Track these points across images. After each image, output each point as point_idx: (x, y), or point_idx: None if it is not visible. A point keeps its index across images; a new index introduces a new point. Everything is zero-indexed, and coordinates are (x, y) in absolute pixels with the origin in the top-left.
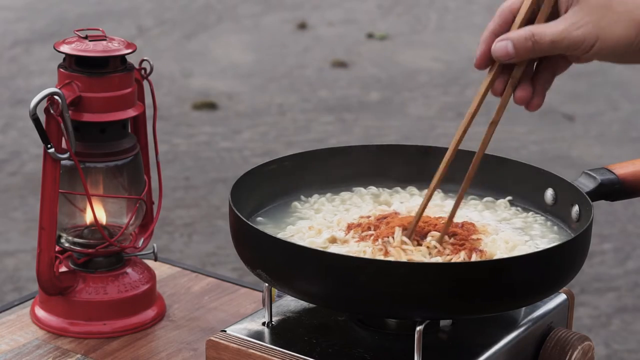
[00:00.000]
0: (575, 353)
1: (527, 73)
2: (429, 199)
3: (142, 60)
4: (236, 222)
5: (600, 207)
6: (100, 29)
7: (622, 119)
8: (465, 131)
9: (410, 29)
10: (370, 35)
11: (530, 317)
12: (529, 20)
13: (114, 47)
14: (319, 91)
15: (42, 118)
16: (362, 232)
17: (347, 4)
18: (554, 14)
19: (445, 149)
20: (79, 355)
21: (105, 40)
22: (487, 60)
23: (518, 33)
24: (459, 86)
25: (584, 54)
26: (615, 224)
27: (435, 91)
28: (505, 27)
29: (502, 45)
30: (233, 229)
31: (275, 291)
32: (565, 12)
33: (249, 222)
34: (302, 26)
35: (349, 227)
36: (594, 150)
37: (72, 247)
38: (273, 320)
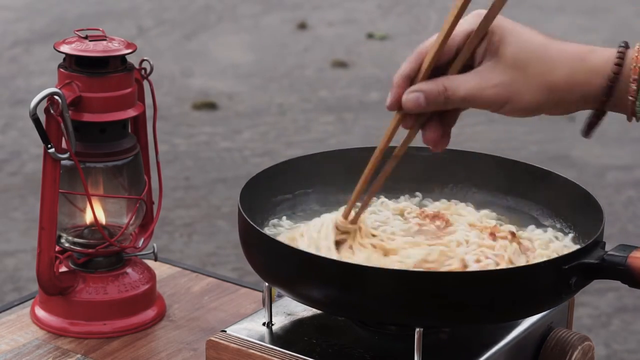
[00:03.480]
0: (575, 353)
1: (436, 114)
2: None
3: (142, 60)
4: (245, 226)
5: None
6: (100, 29)
7: (622, 119)
8: (375, 164)
9: (410, 29)
10: (370, 35)
11: (530, 318)
12: (440, 65)
13: (114, 47)
14: (319, 91)
15: (42, 118)
16: None
17: (347, 4)
18: (468, 65)
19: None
20: (79, 355)
21: (105, 40)
22: (400, 104)
23: (430, 86)
24: None
25: (494, 112)
26: (615, 224)
27: None
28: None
29: (414, 97)
30: (242, 234)
31: (275, 291)
32: (480, 63)
33: (257, 227)
34: (302, 26)
35: None
36: (594, 150)
37: (72, 247)
38: (273, 320)
